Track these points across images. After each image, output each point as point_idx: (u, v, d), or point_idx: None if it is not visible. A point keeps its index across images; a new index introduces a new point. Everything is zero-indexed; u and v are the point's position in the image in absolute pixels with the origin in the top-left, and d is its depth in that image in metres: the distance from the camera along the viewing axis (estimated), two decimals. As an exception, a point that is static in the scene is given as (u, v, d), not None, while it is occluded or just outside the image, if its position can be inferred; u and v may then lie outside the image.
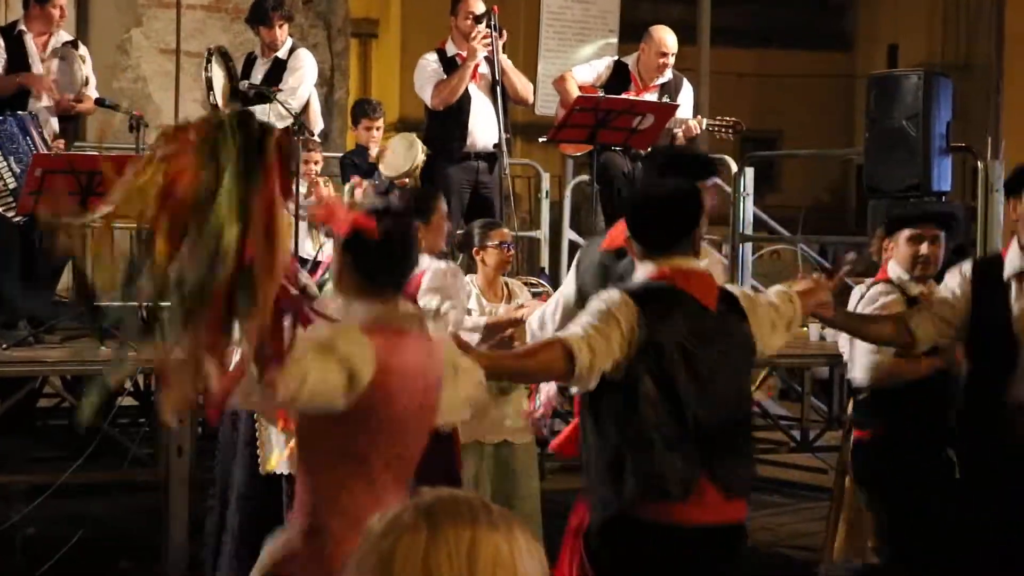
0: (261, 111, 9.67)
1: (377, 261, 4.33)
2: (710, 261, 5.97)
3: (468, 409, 4.63)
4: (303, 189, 9.63)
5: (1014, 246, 6.16)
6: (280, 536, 4.42)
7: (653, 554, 4.82)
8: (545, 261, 11.83)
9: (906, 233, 6.76)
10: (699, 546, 4.93)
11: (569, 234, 11.76)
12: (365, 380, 4.10)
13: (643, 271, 5.08)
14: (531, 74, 10.88)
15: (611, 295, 4.98)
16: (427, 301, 6.36)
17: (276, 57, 10.00)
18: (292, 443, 7.70)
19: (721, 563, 5.05)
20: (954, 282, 6.30)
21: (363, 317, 4.28)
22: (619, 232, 5.99)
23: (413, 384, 4.27)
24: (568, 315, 6.27)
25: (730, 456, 5.03)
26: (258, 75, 9.94)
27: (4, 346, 8.36)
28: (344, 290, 4.42)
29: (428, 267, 6.47)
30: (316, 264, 9.30)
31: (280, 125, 9.56)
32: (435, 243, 6.71)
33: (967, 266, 6.43)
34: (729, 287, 5.45)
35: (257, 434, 7.76)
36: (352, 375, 4.06)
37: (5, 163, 8.88)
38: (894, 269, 6.81)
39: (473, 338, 6.57)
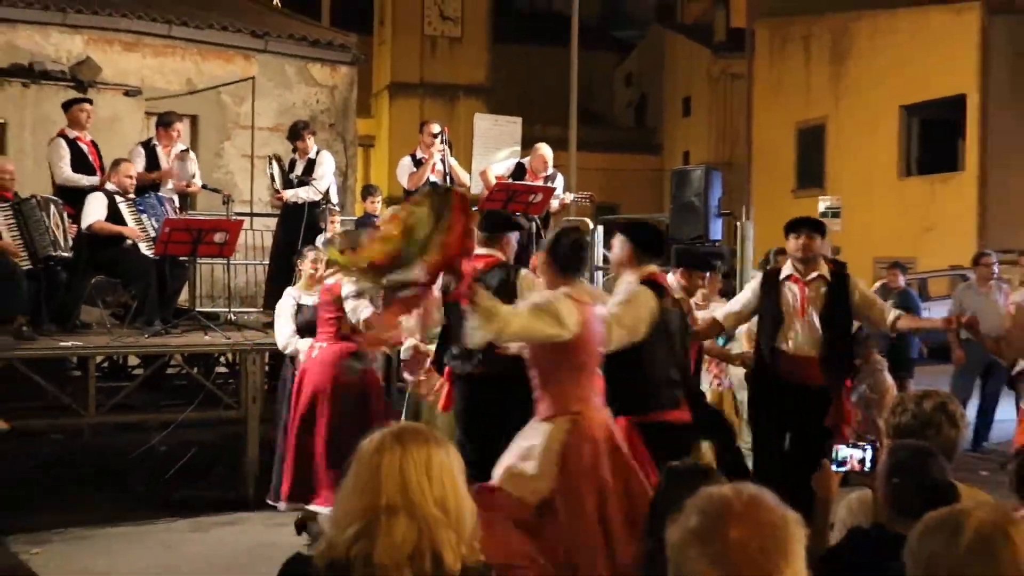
0: (305, 191, 9.69)
1: (569, 260, 4.57)
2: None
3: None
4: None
5: (789, 262, 6.29)
6: (543, 429, 4.33)
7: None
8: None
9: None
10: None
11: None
12: (572, 323, 4.28)
13: (634, 276, 4.92)
14: (468, 168, 10.89)
15: (642, 293, 4.81)
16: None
17: (309, 158, 9.92)
18: None
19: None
20: (750, 287, 6.48)
21: (566, 290, 4.48)
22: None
23: (598, 325, 4.49)
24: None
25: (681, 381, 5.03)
26: (299, 170, 9.87)
27: (146, 336, 8.32)
28: (548, 280, 4.59)
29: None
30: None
31: (313, 199, 9.61)
32: None
33: (759, 276, 6.57)
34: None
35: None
36: (560, 322, 4.26)
37: (149, 222, 8.85)
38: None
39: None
